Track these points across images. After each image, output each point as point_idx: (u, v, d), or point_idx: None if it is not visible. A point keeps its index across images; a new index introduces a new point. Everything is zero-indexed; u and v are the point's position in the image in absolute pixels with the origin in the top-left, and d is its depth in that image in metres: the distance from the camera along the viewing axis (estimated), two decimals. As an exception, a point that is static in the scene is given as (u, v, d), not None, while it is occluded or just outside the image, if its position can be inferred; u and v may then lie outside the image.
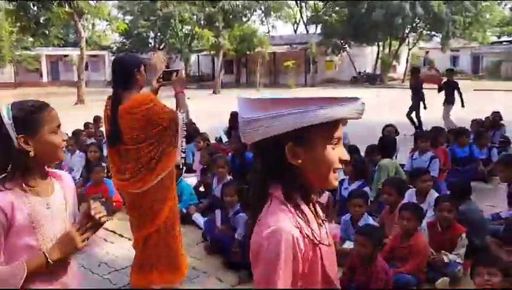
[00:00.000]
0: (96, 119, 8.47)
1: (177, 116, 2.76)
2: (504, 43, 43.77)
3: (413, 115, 10.24)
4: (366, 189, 4.43)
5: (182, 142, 2.85)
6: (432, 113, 10.41)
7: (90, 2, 21.94)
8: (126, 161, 2.79)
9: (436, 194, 4.04)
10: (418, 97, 10.14)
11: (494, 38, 45.76)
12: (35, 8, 20.31)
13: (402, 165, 5.95)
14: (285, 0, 37.63)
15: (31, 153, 1.51)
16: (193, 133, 7.78)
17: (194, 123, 8.99)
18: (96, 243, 4.49)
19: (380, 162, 5.00)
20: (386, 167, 4.90)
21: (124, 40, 46.11)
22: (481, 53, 41.37)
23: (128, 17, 42.89)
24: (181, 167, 5.30)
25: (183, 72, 3.04)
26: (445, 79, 10.79)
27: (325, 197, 4.32)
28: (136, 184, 2.77)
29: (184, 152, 2.99)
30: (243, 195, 4.29)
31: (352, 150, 5.55)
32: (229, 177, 5.09)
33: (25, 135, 1.51)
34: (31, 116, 1.53)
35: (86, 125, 8.32)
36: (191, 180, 6.05)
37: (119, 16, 42.57)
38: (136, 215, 2.91)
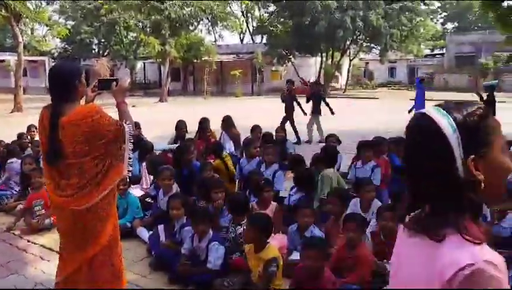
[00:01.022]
0: (30, 127, 8.02)
1: (123, 127, 2.65)
2: (437, 55, 46.79)
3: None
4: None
5: (128, 155, 2.74)
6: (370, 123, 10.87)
7: (28, 5, 20.82)
8: (67, 176, 2.60)
9: (379, 203, 4.17)
10: (292, 107, 10.64)
11: (428, 51, 48.85)
12: (-32, 10, 18.97)
13: (344, 174, 6.12)
14: (229, 5, 37.72)
15: (482, 185, 1.00)
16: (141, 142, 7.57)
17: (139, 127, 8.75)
18: (31, 262, 4.22)
19: (323, 172, 5.09)
20: (329, 177, 5.00)
21: (66, 46, 44.24)
22: (416, 65, 43.93)
23: (71, 22, 41.25)
24: (127, 180, 5.13)
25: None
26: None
27: (272, 208, 4.32)
28: (80, 200, 2.59)
29: (131, 165, 2.87)
30: (189, 208, 4.20)
31: (296, 160, 5.62)
32: (175, 189, 4.97)
33: (475, 156, 0.99)
34: (480, 124, 1.01)
35: (20, 136, 7.82)
36: (136, 191, 5.84)
37: (60, 20, 40.85)
38: (78, 236, 2.69)
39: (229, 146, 8.22)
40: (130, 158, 2.75)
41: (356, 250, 3.28)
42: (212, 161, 6.94)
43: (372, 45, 36.45)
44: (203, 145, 7.91)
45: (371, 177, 5.14)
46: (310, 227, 3.72)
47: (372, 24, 29.62)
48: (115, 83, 2.80)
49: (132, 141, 2.72)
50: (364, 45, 36.66)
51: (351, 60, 38.00)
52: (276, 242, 3.71)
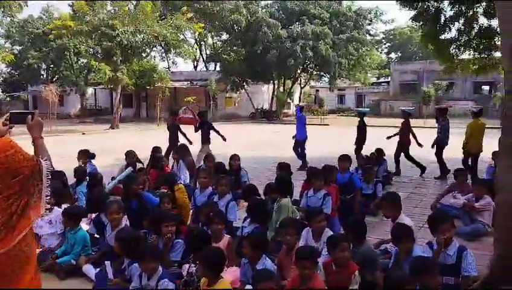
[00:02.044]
0: None
1: (40, 163, 2.48)
2: (382, 83, 49.17)
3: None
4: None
5: (46, 192, 2.58)
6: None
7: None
8: None
9: (330, 232, 4.22)
10: (175, 138, 10.44)
11: (374, 79, 51.30)
12: None
13: (295, 201, 6.19)
14: (182, 32, 37.91)
15: None
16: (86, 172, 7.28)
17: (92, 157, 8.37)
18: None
19: (280, 202, 5.08)
20: (287, 206, 5.01)
21: (12, 71, 42.48)
22: (363, 92, 45.88)
23: (17, 47, 39.81)
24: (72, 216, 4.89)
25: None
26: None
27: (225, 240, 4.26)
28: None
29: (49, 203, 2.68)
30: (135, 244, 3.99)
31: (250, 190, 5.61)
32: (124, 223, 4.79)
33: None
34: None
35: None
36: (83, 226, 5.54)
37: (6, 45, 39.31)
38: None
39: (185, 177, 8.07)
40: (47, 196, 2.59)
41: (309, 283, 3.27)
42: (166, 191, 6.80)
43: (322, 73, 37.83)
44: (155, 175, 7.74)
45: (322, 205, 5.23)
46: (261, 259, 3.68)
47: (321, 53, 30.82)
48: (30, 116, 2.63)
49: (50, 177, 2.58)
50: (314, 73, 37.96)
51: (302, 88, 39.14)
52: (229, 276, 3.65)
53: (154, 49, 35.66)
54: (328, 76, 35.81)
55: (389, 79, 45.56)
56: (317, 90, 47.56)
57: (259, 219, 4.73)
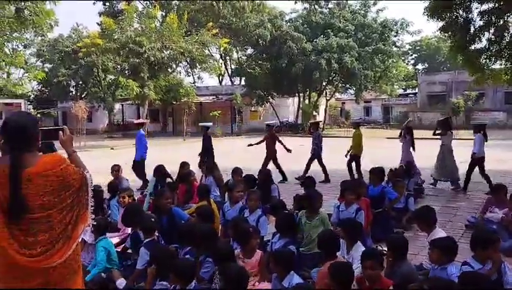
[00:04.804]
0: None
1: (85, 175, 2.58)
2: (410, 95, 48.43)
3: None
4: (292, 247, 4.34)
5: (91, 203, 2.65)
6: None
7: (5, 50, 20.88)
8: (34, 233, 2.41)
9: (362, 247, 4.13)
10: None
11: (401, 91, 50.61)
12: None
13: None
14: (208, 48, 38.56)
15: None
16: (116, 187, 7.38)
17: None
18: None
19: (321, 214, 5.03)
20: (326, 219, 4.98)
21: (43, 88, 44.01)
22: (390, 104, 45.27)
23: (48, 65, 41.30)
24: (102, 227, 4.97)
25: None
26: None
27: (257, 255, 4.23)
28: (53, 257, 2.42)
29: (93, 213, 2.77)
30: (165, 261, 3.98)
31: (277, 207, 5.59)
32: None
33: None
34: None
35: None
36: (114, 240, 5.61)
37: (37, 63, 40.83)
38: None
39: (216, 192, 8.02)
40: (92, 206, 2.66)
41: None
42: (194, 204, 6.81)
43: (348, 86, 37.56)
44: (184, 189, 7.78)
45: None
46: (289, 275, 3.62)
47: (346, 66, 30.66)
48: (61, 132, 2.73)
49: (93, 188, 2.67)
50: (339, 86, 37.75)
51: (327, 100, 38.92)
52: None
53: (180, 64, 36.40)
54: (354, 88, 35.53)
55: (417, 90, 44.88)
56: (343, 103, 47.28)
57: (288, 234, 4.68)
